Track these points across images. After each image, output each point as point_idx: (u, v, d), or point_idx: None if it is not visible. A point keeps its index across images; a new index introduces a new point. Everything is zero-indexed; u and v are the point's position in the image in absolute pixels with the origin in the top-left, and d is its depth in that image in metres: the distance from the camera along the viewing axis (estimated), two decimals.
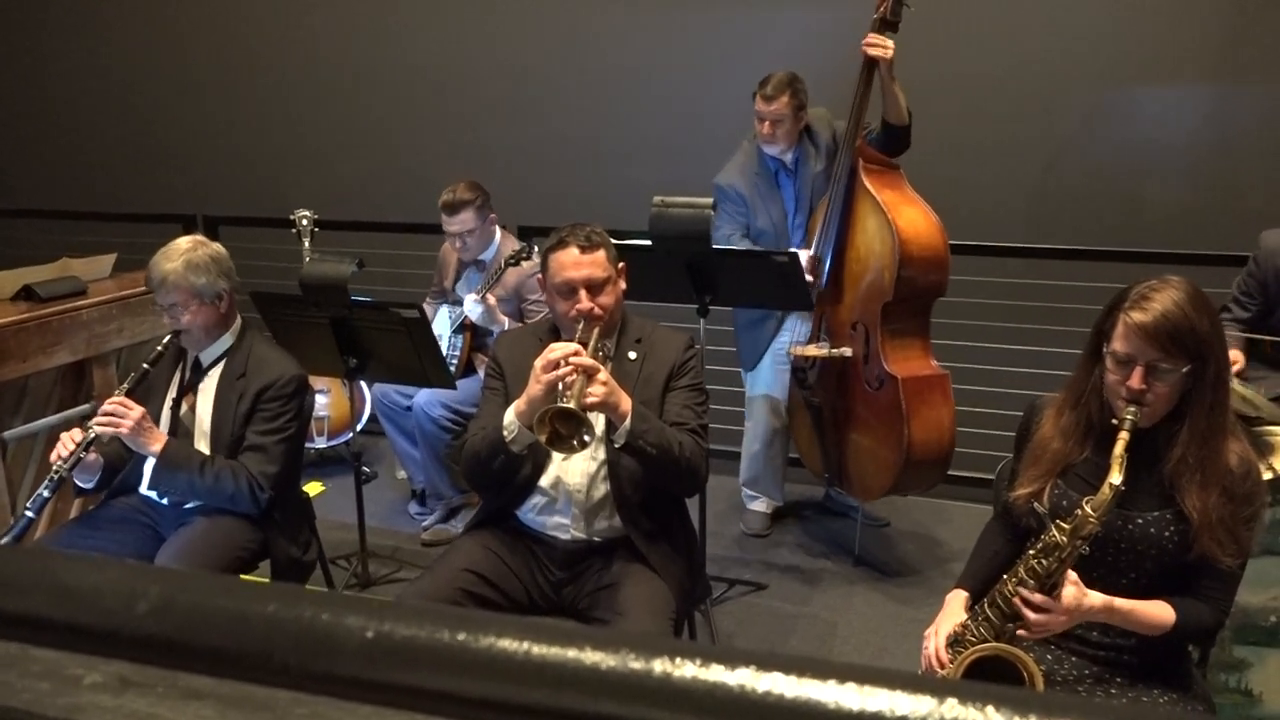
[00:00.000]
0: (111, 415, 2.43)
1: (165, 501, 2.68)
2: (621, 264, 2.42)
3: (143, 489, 2.67)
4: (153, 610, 0.40)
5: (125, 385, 2.54)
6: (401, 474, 4.19)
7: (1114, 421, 1.79)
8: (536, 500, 2.39)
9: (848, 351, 3.42)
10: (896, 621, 3.28)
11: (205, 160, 5.69)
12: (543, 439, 2.05)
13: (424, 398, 3.67)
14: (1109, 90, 4.22)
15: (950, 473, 3.51)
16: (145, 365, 2.58)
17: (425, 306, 3.99)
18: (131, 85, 5.79)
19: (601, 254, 2.34)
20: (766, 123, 3.48)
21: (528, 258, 3.78)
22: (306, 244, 4.26)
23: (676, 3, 4.73)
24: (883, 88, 3.32)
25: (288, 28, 5.41)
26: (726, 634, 3.21)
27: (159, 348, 2.60)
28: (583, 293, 2.30)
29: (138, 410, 2.46)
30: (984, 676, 1.78)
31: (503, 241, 3.88)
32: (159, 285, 2.55)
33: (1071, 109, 4.28)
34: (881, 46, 3.24)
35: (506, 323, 3.72)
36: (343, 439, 4.34)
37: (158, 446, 2.49)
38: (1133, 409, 1.76)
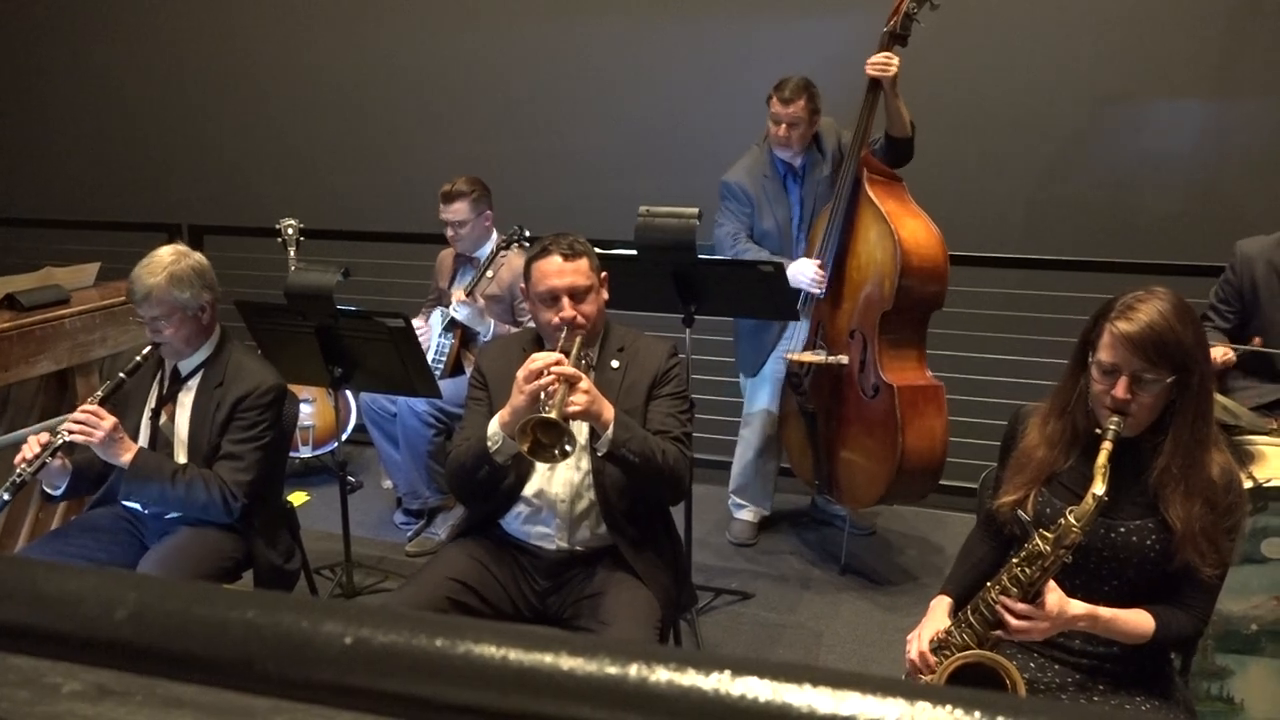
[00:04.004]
0: (83, 424, 2.41)
1: (148, 511, 2.66)
2: (604, 273, 2.43)
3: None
4: (131, 617, 0.40)
5: (99, 393, 2.52)
6: (387, 483, 4.18)
7: (1098, 431, 1.80)
8: (521, 509, 2.39)
9: (844, 359, 3.43)
10: (883, 630, 3.28)
11: (191, 168, 5.67)
12: (524, 449, 2.05)
13: None
14: (1106, 106, 4.27)
15: (939, 481, 3.52)
16: (121, 375, 2.56)
17: (421, 313, 4.01)
18: (116, 93, 5.77)
19: (584, 262, 2.34)
20: (782, 125, 3.49)
21: (517, 240, 3.78)
22: (292, 253, 4.25)
23: (664, 16, 4.75)
24: (886, 103, 3.35)
25: (275, 36, 5.40)
26: (713, 643, 3.21)
27: (137, 358, 2.58)
28: (565, 301, 2.31)
29: (109, 420, 2.43)
30: (966, 684, 1.79)
31: (498, 240, 3.89)
32: (142, 299, 2.53)
33: (1070, 124, 4.32)
34: (884, 66, 3.28)
35: (493, 323, 3.71)
36: (328, 448, 4.32)
37: (128, 457, 2.47)
38: (1116, 419, 1.77)
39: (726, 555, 3.84)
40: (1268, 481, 2.44)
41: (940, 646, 1.92)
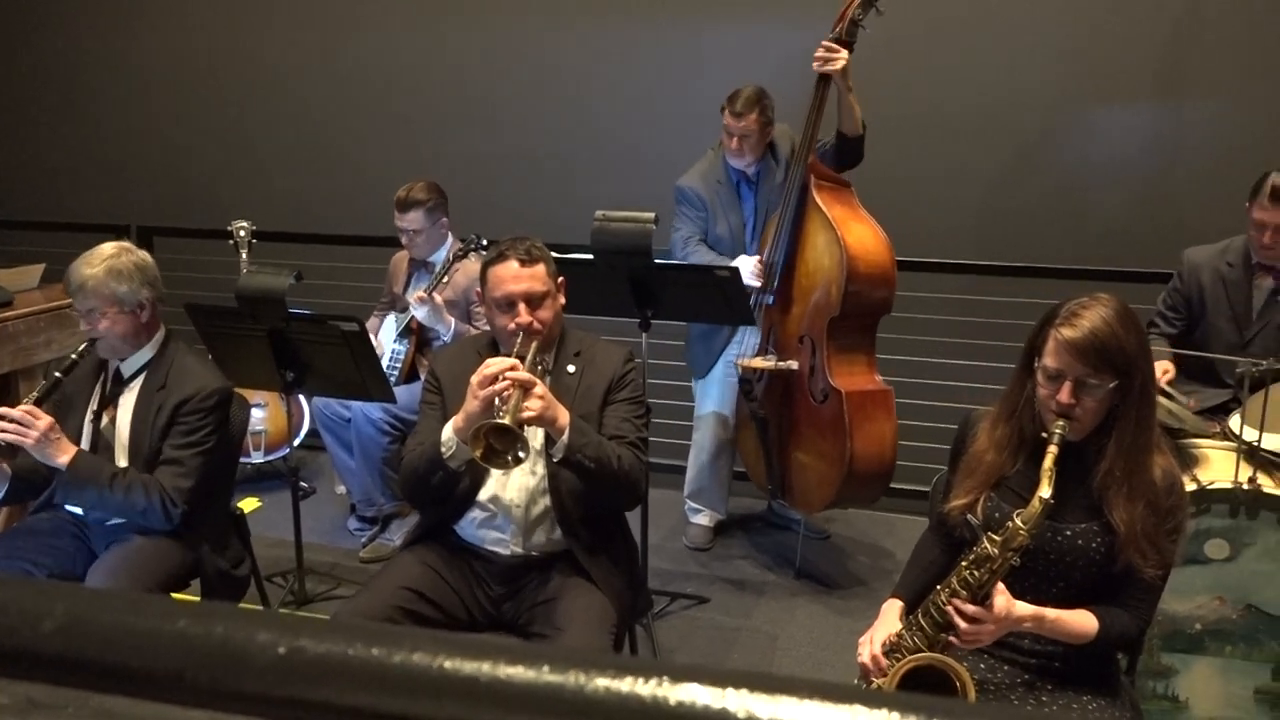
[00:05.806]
0: (17, 424, 2.35)
1: (89, 516, 2.60)
2: (561, 278, 2.42)
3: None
4: (59, 629, 0.39)
5: (34, 394, 2.45)
6: (341, 489, 4.13)
7: (1044, 435, 1.83)
8: (476, 514, 2.37)
9: (794, 364, 3.45)
10: (838, 633, 3.30)
11: (140, 169, 5.57)
12: (477, 455, 2.04)
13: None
14: (1054, 114, 4.33)
15: (892, 485, 3.56)
16: (57, 374, 2.50)
17: (374, 317, 3.97)
18: (64, 90, 5.65)
19: (541, 268, 2.33)
20: (735, 138, 3.50)
21: (475, 249, 3.75)
22: (244, 255, 4.19)
23: (622, 19, 4.75)
24: (839, 98, 3.35)
25: (228, 35, 5.33)
26: (668, 648, 3.21)
27: (73, 355, 2.52)
28: (522, 306, 2.30)
29: (45, 420, 2.38)
30: (917, 686, 1.80)
31: (454, 246, 3.86)
32: (77, 290, 2.48)
33: (1019, 131, 4.38)
34: (826, 58, 3.27)
35: (453, 322, 3.68)
36: (280, 454, 4.26)
37: (65, 459, 2.40)
38: (1062, 423, 1.80)
39: (682, 560, 3.84)
40: (1210, 484, 2.50)
41: (892, 649, 1.93)
